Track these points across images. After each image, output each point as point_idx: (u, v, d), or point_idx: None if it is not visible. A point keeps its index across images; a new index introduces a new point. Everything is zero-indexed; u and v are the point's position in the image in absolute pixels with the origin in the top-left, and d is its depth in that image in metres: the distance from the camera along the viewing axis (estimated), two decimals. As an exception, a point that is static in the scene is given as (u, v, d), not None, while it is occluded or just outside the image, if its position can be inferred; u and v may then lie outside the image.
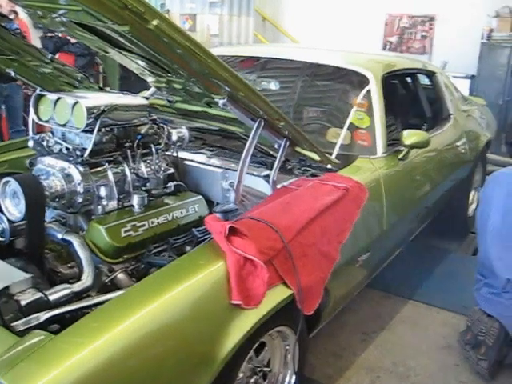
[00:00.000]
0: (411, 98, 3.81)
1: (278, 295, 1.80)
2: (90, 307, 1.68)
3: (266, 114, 1.99)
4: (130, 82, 6.12)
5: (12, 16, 4.98)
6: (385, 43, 8.48)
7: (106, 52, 1.99)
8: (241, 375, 1.86)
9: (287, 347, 2.10)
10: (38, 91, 2.26)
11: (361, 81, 2.90)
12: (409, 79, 3.91)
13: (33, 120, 2.29)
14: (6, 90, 5.33)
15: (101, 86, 2.74)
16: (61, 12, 1.55)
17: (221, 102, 1.90)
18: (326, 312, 2.25)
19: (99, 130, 2.06)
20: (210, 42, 8.01)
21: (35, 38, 6.56)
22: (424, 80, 3.91)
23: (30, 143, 2.29)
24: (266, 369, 2.05)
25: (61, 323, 1.60)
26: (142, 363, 1.45)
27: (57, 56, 5.73)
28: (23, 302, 1.60)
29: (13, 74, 2.38)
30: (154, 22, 1.39)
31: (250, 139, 2.06)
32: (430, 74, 3.85)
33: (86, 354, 1.34)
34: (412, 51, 8.21)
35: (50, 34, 5.88)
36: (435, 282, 3.54)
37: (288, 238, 1.84)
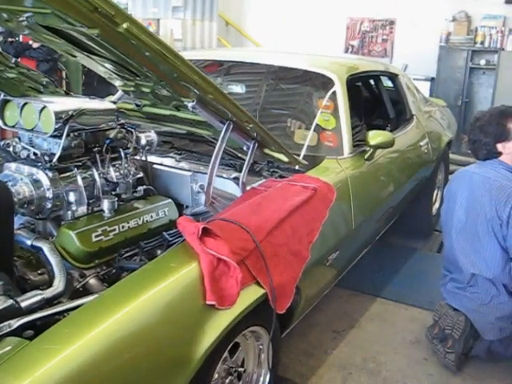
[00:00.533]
0: (375, 100, 3.89)
1: (251, 295, 1.82)
2: (62, 313, 1.66)
3: (234, 116, 2.01)
4: (93, 88, 6.07)
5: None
6: (347, 47, 8.62)
7: (74, 56, 1.98)
8: (216, 376, 1.87)
9: (261, 347, 2.11)
10: (1, 96, 2.23)
11: (326, 83, 2.95)
12: (372, 81, 4.00)
13: (-3, 126, 2.25)
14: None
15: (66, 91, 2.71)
16: (28, 15, 1.54)
17: (190, 104, 1.91)
18: (298, 311, 2.28)
19: (67, 135, 2.04)
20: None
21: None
22: (387, 82, 3.99)
23: (-5, 150, 2.25)
24: (240, 369, 2.06)
25: (34, 330, 1.58)
26: (116, 368, 1.44)
27: (18, 61, 5.62)
28: (-6, 310, 1.58)
29: (-25, 79, 2.34)
30: (124, 25, 1.39)
31: (219, 142, 2.08)
32: (393, 76, 3.93)
33: (59, 360, 1.33)
34: (373, 54, 8.37)
35: (10, 39, 5.76)
36: (402, 280, 3.62)
37: (259, 239, 1.86)
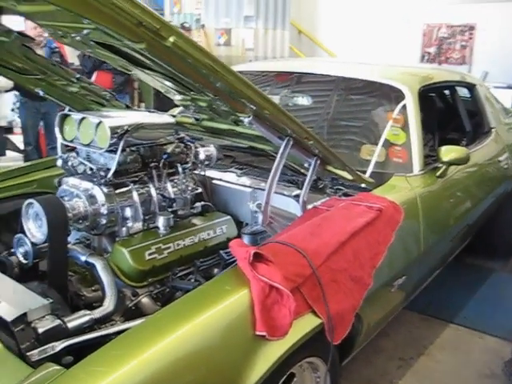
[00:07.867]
0: (449, 112, 3.66)
1: (306, 325, 1.70)
2: (109, 336, 1.61)
3: (294, 132, 1.90)
4: (163, 98, 6.13)
5: (46, 34, 5.02)
6: (423, 54, 8.32)
7: (129, 70, 1.95)
8: (269, 408, 1.76)
9: (318, 379, 1.98)
10: (66, 110, 2.25)
11: (396, 95, 2.79)
12: (447, 92, 3.78)
13: (61, 139, 2.26)
14: (44, 107, 5.41)
15: (129, 104, 2.71)
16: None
17: (246, 120, 1.83)
18: (359, 339, 2.14)
19: (123, 150, 2.01)
20: (245, 56, 7.99)
21: (73, 56, 6.64)
22: (463, 92, 3.76)
23: (59, 162, 2.26)
24: (295, 400, 1.94)
25: (80, 352, 1.54)
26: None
27: (95, 75, 5.75)
28: (40, 330, 1.55)
29: (41, 93, 2.37)
30: (171, 39, 1.34)
31: (277, 158, 1.98)
32: (470, 87, 3.70)
33: (106, 383, 1.28)
34: (451, 62, 8.03)
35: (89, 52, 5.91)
36: (478, 304, 3.37)
37: (317, 264, 1.74)
